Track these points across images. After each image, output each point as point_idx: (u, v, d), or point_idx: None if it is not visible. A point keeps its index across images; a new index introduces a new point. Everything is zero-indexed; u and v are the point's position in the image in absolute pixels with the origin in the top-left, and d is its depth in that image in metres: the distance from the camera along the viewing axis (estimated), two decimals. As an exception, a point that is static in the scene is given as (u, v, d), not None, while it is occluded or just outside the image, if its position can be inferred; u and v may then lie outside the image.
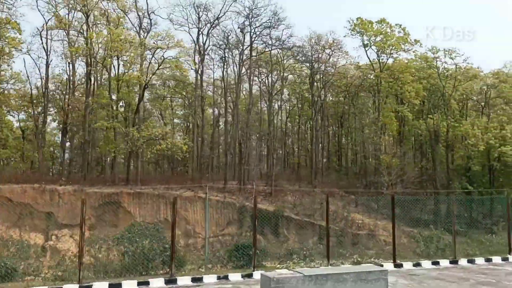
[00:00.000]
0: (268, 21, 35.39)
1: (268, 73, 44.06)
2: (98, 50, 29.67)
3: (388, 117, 40.01)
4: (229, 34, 34.18)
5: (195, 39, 33.34)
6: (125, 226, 26.66)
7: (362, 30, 38.82)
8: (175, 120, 42.99)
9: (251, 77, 35.79)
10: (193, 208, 27.89)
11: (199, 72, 34.08)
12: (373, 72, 40.99)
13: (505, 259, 17.64)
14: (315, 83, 42.91)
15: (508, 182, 36.03)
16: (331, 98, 47.49)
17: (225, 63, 34.75)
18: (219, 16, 32.46)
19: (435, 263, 16.59)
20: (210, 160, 35.30)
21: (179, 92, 39.89)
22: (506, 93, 44.40)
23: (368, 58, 40.13)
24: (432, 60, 38.12)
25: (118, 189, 26.50)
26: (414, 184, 38.51)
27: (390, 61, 41.03)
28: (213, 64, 36.88)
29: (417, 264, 16.30)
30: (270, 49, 37.44)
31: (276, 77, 44.72)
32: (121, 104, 33.17)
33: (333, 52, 41.83)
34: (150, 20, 30.03)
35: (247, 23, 34.27)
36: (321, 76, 43.23)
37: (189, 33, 37.17)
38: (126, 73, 27.60)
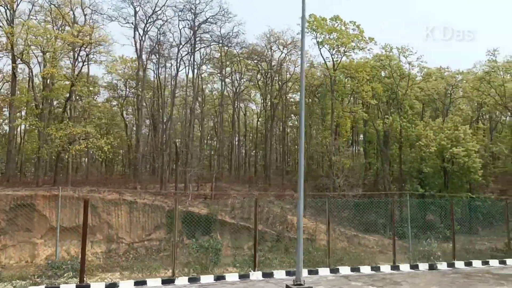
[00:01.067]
0: (213, 17, 34.18)
1: (231, 73, 42.87)
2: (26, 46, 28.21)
3: (343, 118, 38.83)
4: (169, 30, 32.84)
5: (137, 35, 32.00)
6: (40, 231, 25.42)
7: (315, 27, 37.60)
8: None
9: (199, 78, 34.34)
10: (117, 211, 26.39)
11: (141, 70, 32.69)
12: (328, 71, 39.81)
13: (394, 268, 16.27)
14: (277, 84, 41.75)
15: (461, 185, 34.85)
16: (295, 99, 46.31)
17: (164, 61, 33.38)
18: (155, 10, 31.11)
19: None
20: (142, 161, 33.69)
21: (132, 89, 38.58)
22: (469, 93, 43.47)
23: (322, 56, 38.98)
24: (385, 59, 36.92)
25: (32, 192, 24.96)
26: (367, 186, 37.30)
27: (348, 60, 39.96)
28: (158, 62, 35.47)
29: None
30: (219, 46, 36.22)
31: (239, 76, 43.60)
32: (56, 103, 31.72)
33: (289, 51, 40.75)
34: (74, 13, 28.67)
35: (190, 17, 32.97)
36: (278, 76, 42.11)
37: (136, 30, 35.82)
38: (47, 69, 26.08)
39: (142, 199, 27.33)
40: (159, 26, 32.25)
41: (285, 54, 40.43)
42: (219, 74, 43.69)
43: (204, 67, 38.32)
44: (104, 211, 26.05)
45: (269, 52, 38.98)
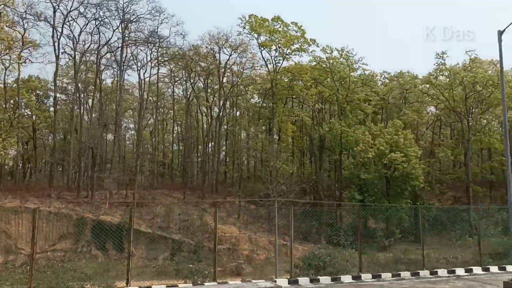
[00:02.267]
0: (143, 15, 32.70)
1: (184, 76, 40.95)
2: None
3: (284, 122, 37.50)
4: (96, 28, 31.24)
5: (55, 35, 30.34)
6: None
7: (256, 28, 36.29)
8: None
9: (120, 79, 32.65)
10: (17, 220, 24.53)
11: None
12: (272, 74, 38.45)
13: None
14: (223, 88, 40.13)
15: (401, 192, 33.57)
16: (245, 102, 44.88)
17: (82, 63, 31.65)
18: (77, 7, 29.51)
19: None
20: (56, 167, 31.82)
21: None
22: (421, 97, 42.53)
23: (264, 59, 37.59)
24: (325, 61, 35.73)
25: None
26: (305, 193, 35.88)
27: (292, 62, 38.71)
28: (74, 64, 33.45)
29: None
30: (152, 46, 34.64)
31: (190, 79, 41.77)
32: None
33: (233, 53, 39.27)
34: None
35: (115, 14, 31.42)
36: (220, 79, 40.59)
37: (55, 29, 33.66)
38: None
39: (48, 206, 25.49)
40: (83, 25, 30.75)
41: (235, 57, 38.89)
42: (167, 78, 42.22)
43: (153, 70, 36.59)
44: (3, 220, 24.22)
45: (218, 55, 37.47)
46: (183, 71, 40.42)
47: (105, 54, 31.48)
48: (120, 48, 31.58)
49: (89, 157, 27.89)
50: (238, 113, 44.57)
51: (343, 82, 36.27)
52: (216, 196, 35.18)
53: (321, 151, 34.63)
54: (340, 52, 35.99)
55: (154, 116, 39.28)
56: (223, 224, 30.46)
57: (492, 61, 48.00)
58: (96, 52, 30.67)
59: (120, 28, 31.52)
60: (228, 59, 37.86)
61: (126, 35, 31.68)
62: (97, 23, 31.21)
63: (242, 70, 39.01)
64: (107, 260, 25.86)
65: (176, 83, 43.19)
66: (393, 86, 44.49)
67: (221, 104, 39.08)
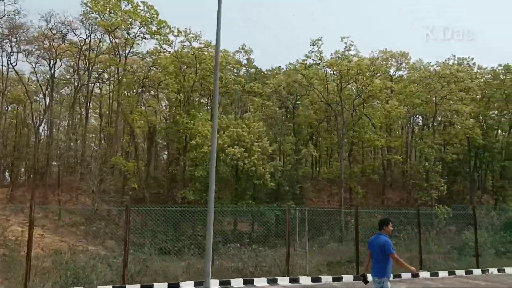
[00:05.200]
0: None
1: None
2: None
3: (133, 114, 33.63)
4: None
5: None
6: None
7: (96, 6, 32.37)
8: None
9: None
10: None
11: None
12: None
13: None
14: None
15: (243, 190, 30.05)
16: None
17: None
18: None
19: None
20: None
21: None
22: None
23: (111, 43, 33.66)
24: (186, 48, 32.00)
25: None
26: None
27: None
28: None
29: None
30: None
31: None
32: None
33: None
34: None
35: None
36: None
37: None
38: None
39: None
40: None
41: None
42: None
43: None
44: None
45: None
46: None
47: None
48: None
49: None
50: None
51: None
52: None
53: (151, 144, 30.87)
54: (197, 38, 32.25)
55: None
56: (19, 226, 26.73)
57: (385, 50, 45.06)
58: None
59: None
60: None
61: None
62: None
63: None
64: None
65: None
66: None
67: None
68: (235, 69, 46.54)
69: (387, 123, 42.04)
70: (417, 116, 40.32)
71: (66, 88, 41.24)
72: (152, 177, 32.23)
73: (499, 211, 29.37)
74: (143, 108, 34.12)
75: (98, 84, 40.65)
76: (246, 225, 32.99)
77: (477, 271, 16.59)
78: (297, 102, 41.73)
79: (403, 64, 47.48)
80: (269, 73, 44.75)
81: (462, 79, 36.13)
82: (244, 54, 45.91)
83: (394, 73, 47.92)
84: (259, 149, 29.24)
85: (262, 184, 29.53)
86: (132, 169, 28.47)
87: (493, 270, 16.97)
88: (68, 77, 39.31)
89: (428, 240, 24.53)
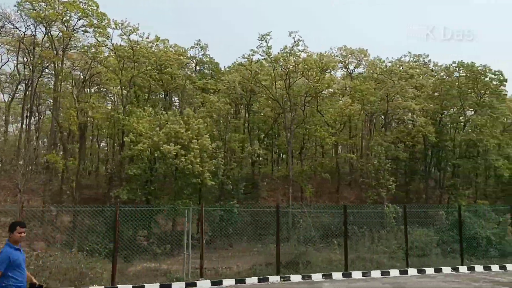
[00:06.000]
0: None
1: None
2: None
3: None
4: None
5: None
6: None
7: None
8: None
9: None
10: None
11: None
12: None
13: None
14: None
15: (180, 189, 28.95)
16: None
17: None
18: None
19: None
20: None
21: None
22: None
23: (47, 36, 32.17)
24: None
25: None
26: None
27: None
28: None
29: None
30: None
31: None
32: None
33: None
34: None
35: None
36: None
37: None
38: None
39: None
40: None
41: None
42: None
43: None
44: None
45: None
46: None
47: None
48: None
49: None
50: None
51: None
52: None
53: (84, 142, 29.63)
54: (135, 31, 31.03)
55: None
56: None
57: (344, 47, 44.47)
58: None
59: None
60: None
61: None
62: None
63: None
64: None
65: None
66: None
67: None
68: (192, 66, 45.62)
69: (346, 121, 41.40)
70: (376, 114, 39.65)
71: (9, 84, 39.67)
72: (88, 176, 30.95)
73: (448, 210, 28.96)
74: (84, 104, 32.78)
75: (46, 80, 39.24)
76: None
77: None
78: (251, 99, 40.81)
79: (363, 61, 47.09)
80: (228, 69, 43.79)
81: (413, 76, 35.54)
82: (200, 50, 45.07)
83: (353, 70, 47.56)
84: (198, 147, 28.19)
85: (200, 183, 28.47)
86: (63, 166, 27.17)
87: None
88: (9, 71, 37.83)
89: (374, 239, 23.97)
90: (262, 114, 38.24)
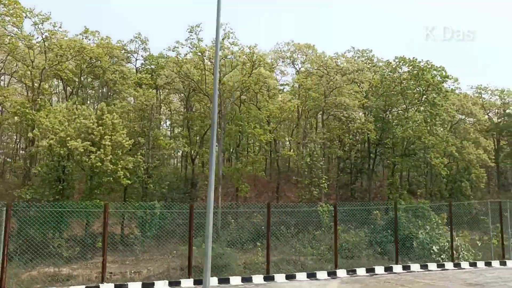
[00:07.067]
0: None
1: None
2: None
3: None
4: None
5: None
6: None
7: None
8: None
9: None
10: None
11: None
12: None
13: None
14: None
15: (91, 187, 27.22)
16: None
17: None
18: None
19: None
20: None
21: None
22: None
23: None
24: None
25: None
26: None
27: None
28: None
29: None
30: None
31: None
32: None
33: None
34: None
35: None
36: None
37: None
38: None
39: None
40: None
41: None
42: None
43: None
44: None
45: None
46: None
47: None
48: None
49: None
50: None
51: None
52: None
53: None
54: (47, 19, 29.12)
55: None
56: None
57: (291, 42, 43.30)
58: None
59: None
60: None
61: None
62: None
63: None
64: None
65: None
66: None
67: None
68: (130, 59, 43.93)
69: (285, 118, 40.09)
70: (312, 110, 38.39)
71: None
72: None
73: (379, 207, 27.97)
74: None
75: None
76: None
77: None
78: (191, 93, 39.23)
79: (311, 57, 45.89)
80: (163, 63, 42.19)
81: (349, 70, 34.42)
82: (140, 43, 43.41)
83: (300, 66, 46.36)
84: (109, 143, 26.49)
85: (113, 181, 26.80)
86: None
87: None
88: None
89: (304, 240, 22.77)
90: (195, 111, 36.68)
